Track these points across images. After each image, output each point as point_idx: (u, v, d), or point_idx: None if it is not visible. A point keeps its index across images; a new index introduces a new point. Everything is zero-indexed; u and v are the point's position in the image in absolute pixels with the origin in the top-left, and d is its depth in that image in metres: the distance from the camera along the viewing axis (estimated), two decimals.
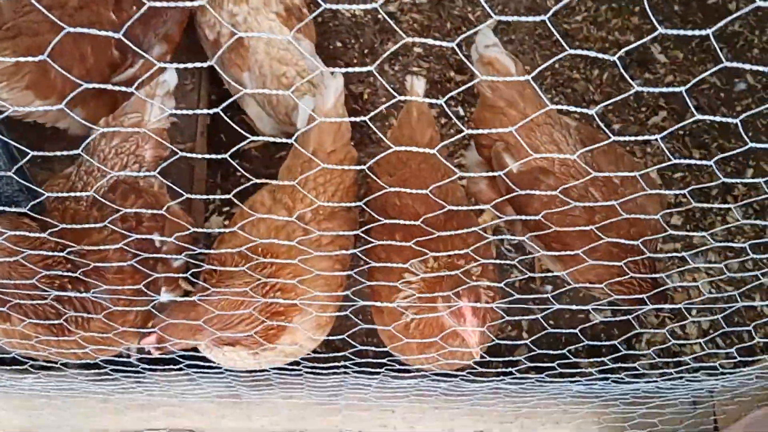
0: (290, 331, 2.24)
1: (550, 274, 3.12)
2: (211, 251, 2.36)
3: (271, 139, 1.45)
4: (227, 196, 1.50)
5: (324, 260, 2.35)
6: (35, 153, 1.37)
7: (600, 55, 1.05)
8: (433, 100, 1.23)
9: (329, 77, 2.42)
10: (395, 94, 1.29)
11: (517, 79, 2.56)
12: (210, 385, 2.59)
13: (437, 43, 1.12)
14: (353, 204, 2.05)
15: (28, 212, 1.88)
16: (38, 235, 1.97)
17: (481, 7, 4.03)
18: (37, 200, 1.76)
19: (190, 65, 1.24)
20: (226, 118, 1.39)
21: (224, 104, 1.26)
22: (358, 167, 1.41)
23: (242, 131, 1.50)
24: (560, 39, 1.25)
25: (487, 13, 4.02)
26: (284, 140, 1.43)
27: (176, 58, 3.02)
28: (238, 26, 2.93)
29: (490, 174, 2.03)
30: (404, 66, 3.86)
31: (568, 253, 2.05)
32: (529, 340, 1.82)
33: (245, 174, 1.84)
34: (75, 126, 2.81)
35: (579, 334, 1.93)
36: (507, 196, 2.41)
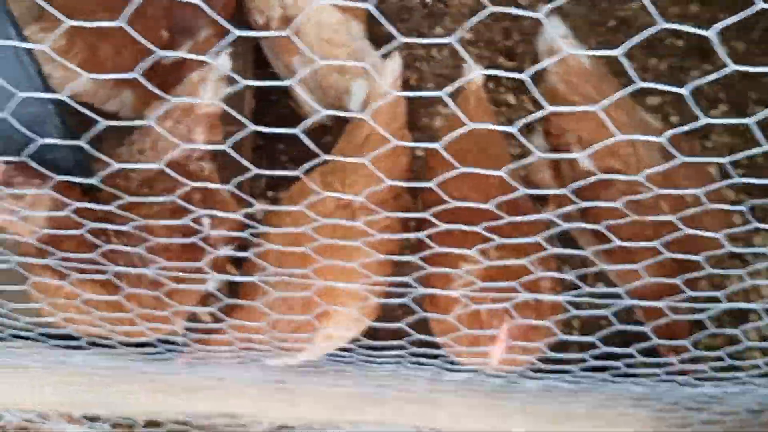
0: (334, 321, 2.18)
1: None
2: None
3: (335, 113, 1.39)
4: (295, 173, 1.43)
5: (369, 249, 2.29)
6: (109, 123, 1.31)
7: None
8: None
9: (387, 58, 2.35)
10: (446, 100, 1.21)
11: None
12: (254, 370, 2.56)
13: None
14: (410, 185, 1.97)
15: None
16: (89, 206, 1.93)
17: None
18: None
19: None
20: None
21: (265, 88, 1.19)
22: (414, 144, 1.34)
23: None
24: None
25: None
26: (344, 114, 1.36)
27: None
28: (288, 9, 2.87)
29: (557, 157, 1.94)
30: (453, 51, 3.77)
31: (626, 266, 1.96)
32: (597, 337, 1.74)
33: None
34: (125, 108, 2.78)
35: (649, 332, 1.84)
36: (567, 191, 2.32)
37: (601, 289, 1.59)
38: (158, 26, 2.65)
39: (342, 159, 2.28)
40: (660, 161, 2.37)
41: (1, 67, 1.64)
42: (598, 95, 2.45)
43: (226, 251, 2.48)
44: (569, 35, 2.56)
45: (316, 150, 1.43)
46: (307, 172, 1.59)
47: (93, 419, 3.07)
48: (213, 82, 2.47)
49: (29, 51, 1.70)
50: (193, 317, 2.56)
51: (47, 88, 1.77)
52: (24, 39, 1.64)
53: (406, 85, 3.69)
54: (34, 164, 1.77)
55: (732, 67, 1.06)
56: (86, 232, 1.75)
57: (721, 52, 1.02)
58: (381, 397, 2.54)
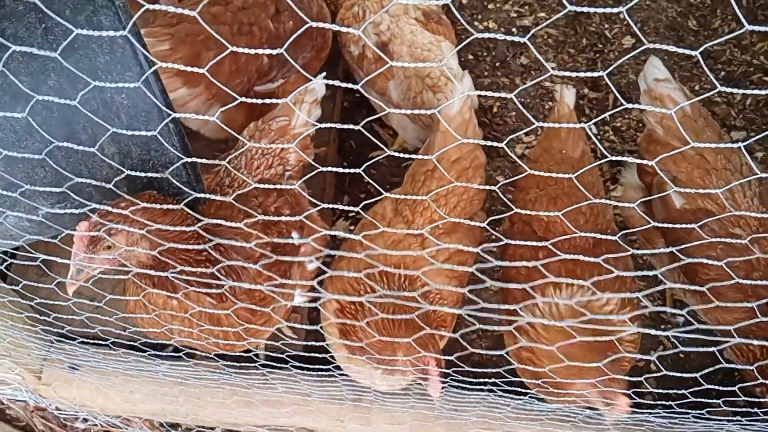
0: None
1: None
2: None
3: (396, 154, 1.43)
4: (353, 209, 1.48)
5: (441, 275, 2.31)
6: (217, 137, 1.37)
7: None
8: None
9: (458, 81, 2.39)
10: (532, 118, 1.23)
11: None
12: (333, 387, 2.60)
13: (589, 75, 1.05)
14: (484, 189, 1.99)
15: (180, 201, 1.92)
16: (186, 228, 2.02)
17: (618, 24, 3.92)
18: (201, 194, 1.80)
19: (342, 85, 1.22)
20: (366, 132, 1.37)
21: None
22: (488, 187, 1.36)
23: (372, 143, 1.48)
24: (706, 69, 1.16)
25: (625, 31, 3.90)
26: (409, 156, 1.39)
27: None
28: (382, 34, 2.95)
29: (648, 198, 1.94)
30: (538, 82, 3.78)
31: (721, 304, 1.94)
32: (698, 374, 1.72)
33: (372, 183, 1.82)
34: (211, 126, 2.88)
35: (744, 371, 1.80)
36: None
37: (700, 326, 1.56)
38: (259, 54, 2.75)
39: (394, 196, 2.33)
40: (758, 208, 2.35)
41: (118, 71, 1.73)
42: (697, 138, 2.46)
43: (314, 275, 2.54)
44: (670, 79, 2.57)
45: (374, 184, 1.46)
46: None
47: (173, 426, 3.16)
48: (308, 104, 2.56)
49: (138, 34, 1.77)
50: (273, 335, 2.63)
51: (169, 108, 1.86)
52: (150, 62, 1.74)
53: (488, 112, 3.72)
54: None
55: None
56: (191, 246, 1.82)
57: None
58: (460, 422, 2.54)
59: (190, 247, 1.82)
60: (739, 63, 3.82)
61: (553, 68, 3.80)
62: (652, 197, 2.53)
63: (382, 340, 1.93)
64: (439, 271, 2.29)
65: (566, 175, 1.49)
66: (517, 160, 1.85)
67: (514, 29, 3.92)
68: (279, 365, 2.50)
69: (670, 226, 2.13)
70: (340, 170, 1.44)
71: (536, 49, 3.84)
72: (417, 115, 2.95)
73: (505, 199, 1.56)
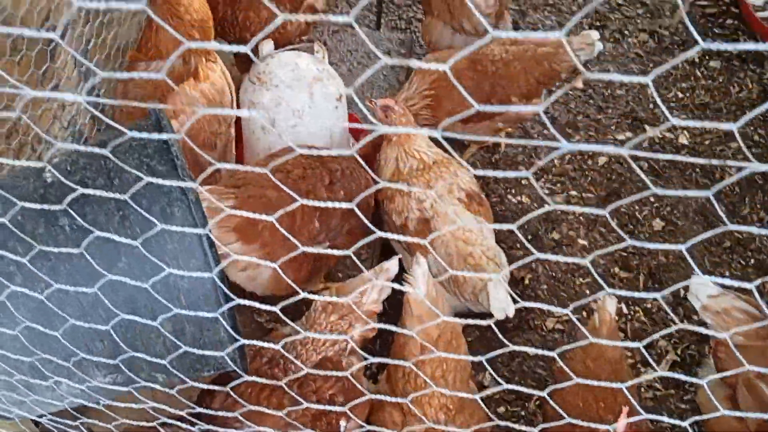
0: None
1: None
2: None
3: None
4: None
5: None
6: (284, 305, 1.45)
7: None
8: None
9: (415, 263, 2.50)
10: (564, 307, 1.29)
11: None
12: None
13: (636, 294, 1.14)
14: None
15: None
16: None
17: (648, 207, 4.07)
18: (239, 345, 1.87)
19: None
20: None
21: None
22: None
23: None
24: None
25: (655, 213, 4.04)
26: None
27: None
28: (425, 211, 3.10)
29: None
30: (569, 256, 3.89)
31: None
32: None
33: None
34: (262, 285, 2.98)
35: None
36: None
37: None
38: (314, 215, 2.93)
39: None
40: None
41: (184, 258, 1.85)
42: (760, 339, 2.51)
43: None
44: (724, 292, 2.66)
45: None
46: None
47: None
48: (382, 283, 2.66)
49: (212, 243, 1.91)
50: None
51: (225, 285, 1.97)
52: (214, 250, 1.87)
53: (520, 283, 3.80)
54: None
55: None
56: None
57: None
58: None
59: None
60: None
61: (582, 245, 3.92)
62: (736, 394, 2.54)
63: None
64: None
65: (614, 384, 1.52)
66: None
67: (546, 205, 4.07)
68: None
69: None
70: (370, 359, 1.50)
71: (567, 226, 3.98)
72: (460, 288, 3.02)
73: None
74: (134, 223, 1.83)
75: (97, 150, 1.44)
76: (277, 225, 1.48)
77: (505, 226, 1.20)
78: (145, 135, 1.32)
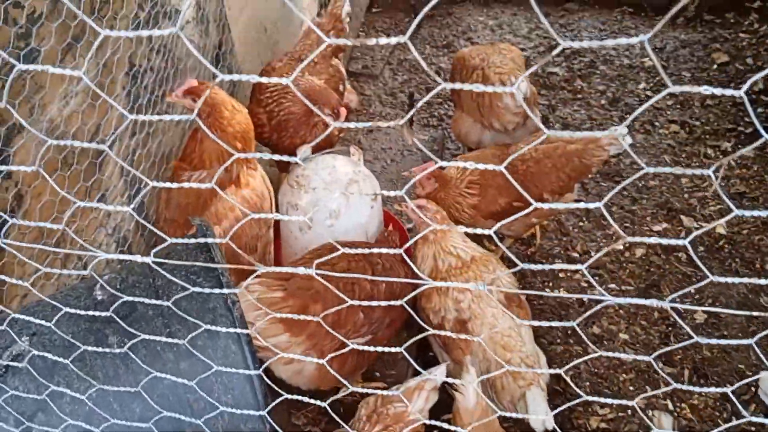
0: None
1: None
2: None
3: None
4: None
5: None
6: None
7: None
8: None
9: (465, 372, 2.48)
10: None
11: None
12: None
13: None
14: None
15: None
16: None
17: (689, 299, 4.01)
18: None
19: None
20: None
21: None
22: None
23: None
24: None
25: (696, 305, 3.97)
26: None
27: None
28: (463, 312, 3.09)
29: None
30: (609, 350, 3.83)
31: None
32: None
33: None
34: (307, 378, 2.98)
35: None
36: None
37: None
38: (358, 310, 2.96)
39: None
40: None
41: (225, 355, 1.87)
42: None
43: None
44: None
45: None
46: None
47: None
48: (427, 392, 2.65)
49: (250, 341, 1.93)
50: None
51: (261, 379, 1.97)
52: (257, 365, 1.89)
53: (561, 380, 3.74)
54: None
55: None
56: None
57: None
58: None
59: None
60: None
61: (625, 340, 3.86)
62: None
63: None
64: None
65: None
66: None
67: (585, 299, 4.05)
68: None
69: None
70: None
71: (608, 320, 3.94)
72: (498, 394, 2.97)
73: None
74: (181, 339, 1.87)
75: (143, 260, 1.49)
76: (322, 323, 1.49)
77: (544, 324, 1.20)
78: (191, 240, 1.38)
